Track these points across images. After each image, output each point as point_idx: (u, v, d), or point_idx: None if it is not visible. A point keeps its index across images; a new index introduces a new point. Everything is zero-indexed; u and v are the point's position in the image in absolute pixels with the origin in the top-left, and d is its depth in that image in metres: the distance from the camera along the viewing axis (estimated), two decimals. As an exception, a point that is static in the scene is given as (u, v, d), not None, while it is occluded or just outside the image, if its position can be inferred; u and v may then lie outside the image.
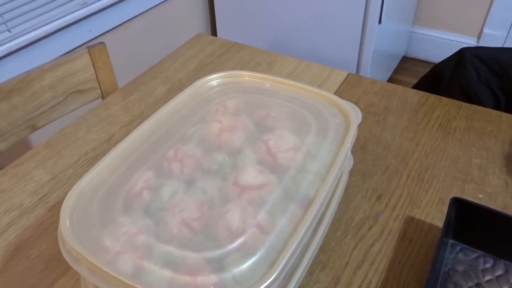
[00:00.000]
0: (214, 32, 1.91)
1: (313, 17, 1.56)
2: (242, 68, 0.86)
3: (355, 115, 0.50)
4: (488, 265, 0.50)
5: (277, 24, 1.66)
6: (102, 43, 0.83)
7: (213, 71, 0.86)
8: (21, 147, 1.20)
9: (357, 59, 1.57)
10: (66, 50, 1.28)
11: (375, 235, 0.54)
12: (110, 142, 0.70)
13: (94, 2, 1.30)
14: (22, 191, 0.62)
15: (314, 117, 0.52)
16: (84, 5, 1.27)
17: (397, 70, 2.07)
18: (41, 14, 1.17)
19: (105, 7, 1.34)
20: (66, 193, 0.61)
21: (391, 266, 0.51)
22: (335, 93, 0.78)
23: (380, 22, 1.47)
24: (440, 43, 2.05)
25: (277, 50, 1.67)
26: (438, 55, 2.08)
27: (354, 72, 1.62)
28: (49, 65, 0.77)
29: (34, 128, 0.78)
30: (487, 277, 0.49)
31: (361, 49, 1.54)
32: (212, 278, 0.36)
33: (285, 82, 0.56)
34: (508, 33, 1.89)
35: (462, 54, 0.79)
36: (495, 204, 0.57)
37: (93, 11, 1.29)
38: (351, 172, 0.62)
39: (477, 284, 0.48)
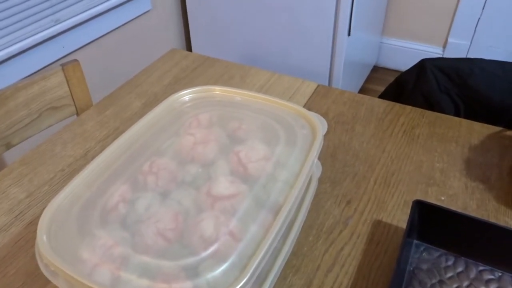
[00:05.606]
0: (189, 47, 1.93)
1: (284, 31, 1.60)
2: (215, 81, 0.88)
3: (321, 126, 0.53)
4: (449, 263, 0.53)
5: (250, 38, 1.69)
6: (75, 60, 0.84)
7: (187, 85, 0.88)
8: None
9: (329, 70, 1.62)
10: (40, 67, 1.27)
11: (345, 239, 0.57)
12: (86, 158, 0.71)
13: (67, 19, 1.30)
14: (-3, 209, 0.62)
15: (283, 128, 0.54)
16: (57, 22, 1.28)
17: (368, 80, 2.14)
18: (14, 32, 1.17)
19: (78, 23, 1.35)
20: (42, 210, 0.62)
21: (360, 267, 0.53)
22: (305, 104, 0.81)
23: (349, 34, 1.53)
24: (408, 52, 2.13)
25: (251, 63, 1.70)
26: (407, 64, 2.14)
27: (327, 82, 1.66)
28: (23, 83, 0.78)
29: (8, 146, 0.78)
30: (449, 274, 0.52)
31: (332, 60, 1.59)
32: (187, 285, 0.37)
33: (255, 96, 0.59)
34: (471, 42, 1.98)
35: (423, 65, 0.84)
36: (456, 205, 0.61)
37: (66, 27, 1.30)
38: (322, 180, 0.65)
39: (440, 281, 0.51)
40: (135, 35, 1.61)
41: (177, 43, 1.88)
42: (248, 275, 0.36)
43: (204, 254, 0.39)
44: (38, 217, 0.61)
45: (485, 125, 0.75)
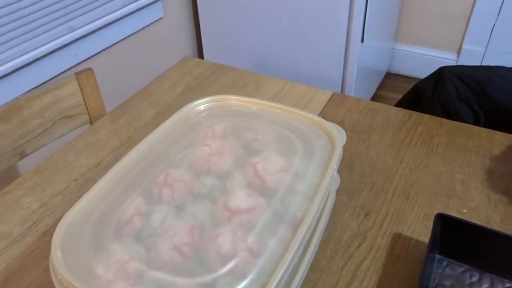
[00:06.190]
0: (200, 55, 1.93)
1: (297, 38, 1.60)
2: (228, 90, 0.88)
3: (340, 136, 0.52)
4: (474, 279, 0.51)
5: (263, 45, 1.69)
6: (89, 69, 0.84)
7: (200, 94, 0.87)
8: (9, 175, 1.19)
9: (342, 77, 1.61)
10: (53, 75, 1.28)
11: (364, 252, 0.55)
12: (99, 167, 0.70)
13: (81, 27, 1.31)
14: (10, 220, 0.61)
15: (300, 139, 0.53)
16: (71, 30, 1.28)
17: (381, 86, 2.12)
18: (28, 40, 1.17)
19: (92, 31, 1.35)
20: (55, 221, 0.61)
21: (380, 283, 0.51)
22: (320, 113, 0.80)
23: (362, 41, 1.51)
24: (422, 59, 2.11)
25: (263, 71, 1.70)
26: (420, 70, 2.13)
27: (340, 89, 1.65)
28: (37, 92, 0.78)
29: (22, 155, 0.78)
30: (474, 291, 0.50)
31: (345, 67, 1.58)
32: (204, 303, 0.36)
33: (271, 105, 0.58)
34: (486, 48, 1.95)
35: (442, 72, 0.82)
36: (479, 218, 0.59)
37: (79, 35, 1.30)
38: (339, 191, 0.63)
39: (464, 298, 0.49)
40: (147, 43, 1.62)
41: (189, 51, 1.88)
42: (268, 294, 0.35)
43: (222, 271, 0.38)
44: (52, 227, 0.60)
45: (506, 134, 0.73)
